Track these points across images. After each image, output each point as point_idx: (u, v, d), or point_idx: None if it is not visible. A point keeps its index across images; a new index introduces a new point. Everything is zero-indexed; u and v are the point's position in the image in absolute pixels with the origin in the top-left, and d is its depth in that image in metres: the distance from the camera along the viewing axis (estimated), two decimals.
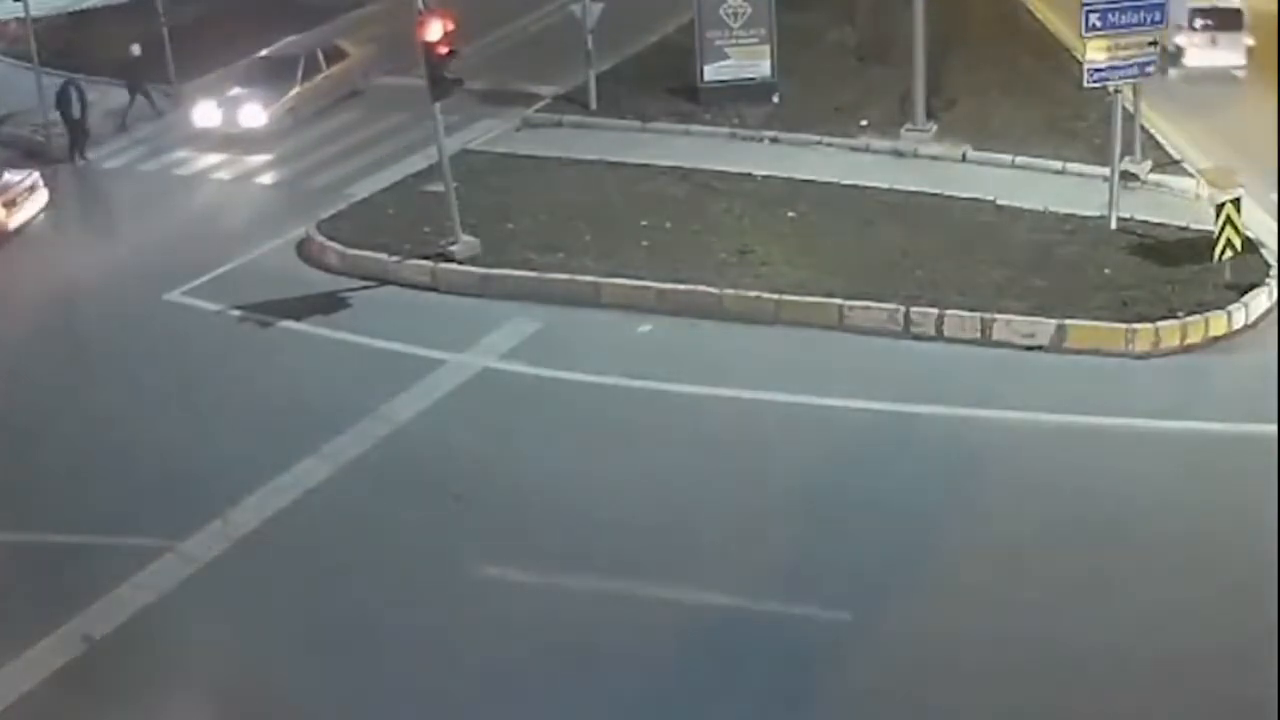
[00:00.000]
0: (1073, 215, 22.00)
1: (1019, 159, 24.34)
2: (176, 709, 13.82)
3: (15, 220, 25.14)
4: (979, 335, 19.23)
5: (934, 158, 24.84)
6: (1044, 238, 21.50)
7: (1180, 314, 19.03)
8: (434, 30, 21.00)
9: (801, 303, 20.04)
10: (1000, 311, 19.27)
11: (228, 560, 15.71)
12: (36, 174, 26.06)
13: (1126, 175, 22.30)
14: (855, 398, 17.92)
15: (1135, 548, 14.93)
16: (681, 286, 20.67)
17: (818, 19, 30.12)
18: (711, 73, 27.33)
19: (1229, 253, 19.53)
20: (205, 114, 28.78)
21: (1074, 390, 17.99)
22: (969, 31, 29.03)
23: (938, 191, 23.28)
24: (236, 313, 21.28)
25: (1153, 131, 24.32)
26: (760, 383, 18.32)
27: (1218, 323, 19.06)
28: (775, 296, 20.17)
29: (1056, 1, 29.45)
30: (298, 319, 20.97)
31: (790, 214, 22.90)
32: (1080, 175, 23.45)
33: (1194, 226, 21.01)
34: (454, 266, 21.85)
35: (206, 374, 19.76)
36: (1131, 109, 22.62)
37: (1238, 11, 27.71)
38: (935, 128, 25.47)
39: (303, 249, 23.23)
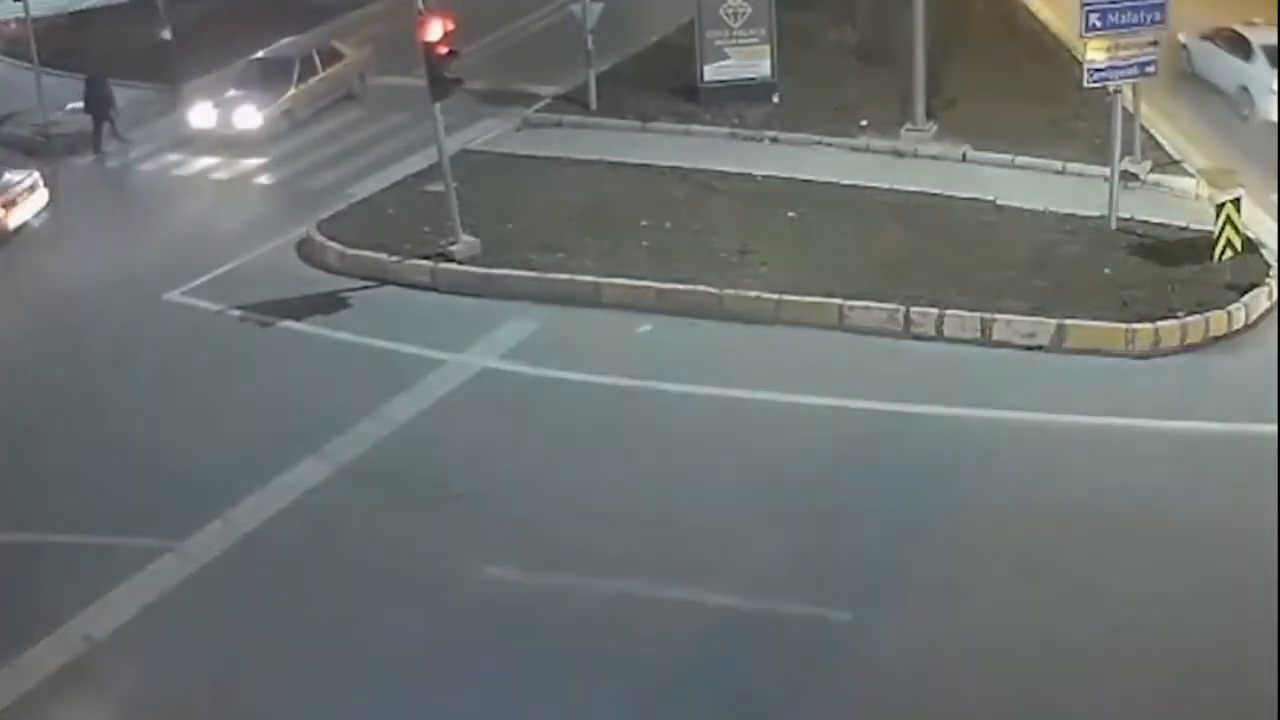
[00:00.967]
0: (1073, 215, 21.99)
1: (1019, 159, 24.32)
2: (176, 709, 13.80)
3: (15, 220, 25.15)
4: (979, 335, 19.23)
5: (934, 158, 24.83)
6: (1044, 238, 21.50)
7: (1180, 314, 19.03)
8: (434, 30, 21.01)
9: (801, 303, 20.03)
10: (1000, 311, 19.26)
11: (228, 560, 15.72)
12: (36, 174, 26.05)
13: (1126, 175, 22.29)
14: (855, 398, 17.92)
15: (1135, 547, 14.92)
16: (681, 286, 20.67)
17: (818, 19, 30.08)
18: (711, 73, 27.31)
19: (1229, 253, 19.54)
20: (201, 115, 28.78)
21: (1074, 390, 17.99)
22: (969, 31, 29.02)
23: (938, 191, 23.27)
24: (237, 313, 21.28)
25: (1153, 131, 24.32)
26: (760, 383, 18.32)
27: (1218, 322, 19.05)
28: (775, 296, 20.17)
29: (1056, 1, 29.45)
30: (298, 319, 20.98)
31: (790, 214, 22.89)
32: (1080, 175, 23.43)
33: (1194, 226, 21.00)
34: (454, 266, 21.85)
35: (207, 374, 19.75)
36: (1131, 109, 22.63)
37: None
38: (935, 128, 25.45)
39: (303, 249, 23.22)
